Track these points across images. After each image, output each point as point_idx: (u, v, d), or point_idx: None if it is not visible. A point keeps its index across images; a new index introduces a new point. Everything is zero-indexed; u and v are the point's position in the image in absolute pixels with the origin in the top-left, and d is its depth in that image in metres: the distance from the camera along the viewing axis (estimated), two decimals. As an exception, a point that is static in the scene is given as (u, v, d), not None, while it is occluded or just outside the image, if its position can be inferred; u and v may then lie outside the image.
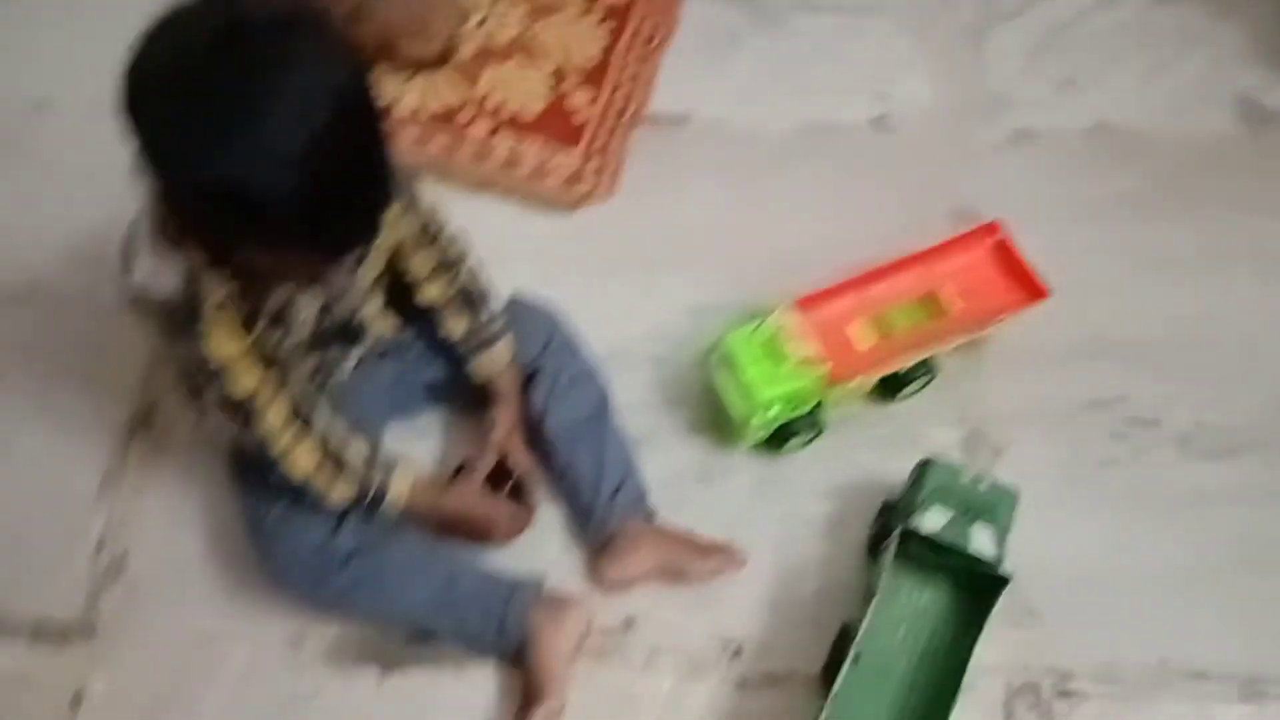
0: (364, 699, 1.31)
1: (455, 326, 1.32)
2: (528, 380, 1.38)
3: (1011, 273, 1.45)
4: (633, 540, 1.34)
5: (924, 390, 1.47)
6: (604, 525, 1.35)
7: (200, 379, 1.08)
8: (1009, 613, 1.33)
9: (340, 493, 1.20)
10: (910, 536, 1.24)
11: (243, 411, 1.11)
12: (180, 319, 1.02)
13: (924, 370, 1.43)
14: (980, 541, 1.22)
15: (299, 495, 1.20)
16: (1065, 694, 1.30)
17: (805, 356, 1.34)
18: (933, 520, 1.24)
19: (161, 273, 1.00)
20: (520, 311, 1.39)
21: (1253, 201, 1.65)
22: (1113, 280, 1.57)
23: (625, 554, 1.34)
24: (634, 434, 1.42)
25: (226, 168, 0.82)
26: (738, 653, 1.33)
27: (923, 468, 1.29)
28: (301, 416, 1.15)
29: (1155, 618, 1.34)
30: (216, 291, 1.02)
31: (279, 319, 1.11)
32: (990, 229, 1.46)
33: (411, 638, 1.33)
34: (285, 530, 1.24)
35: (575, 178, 1.64)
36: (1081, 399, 1.48)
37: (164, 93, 0.83)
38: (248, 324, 1.07)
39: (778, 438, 1.41)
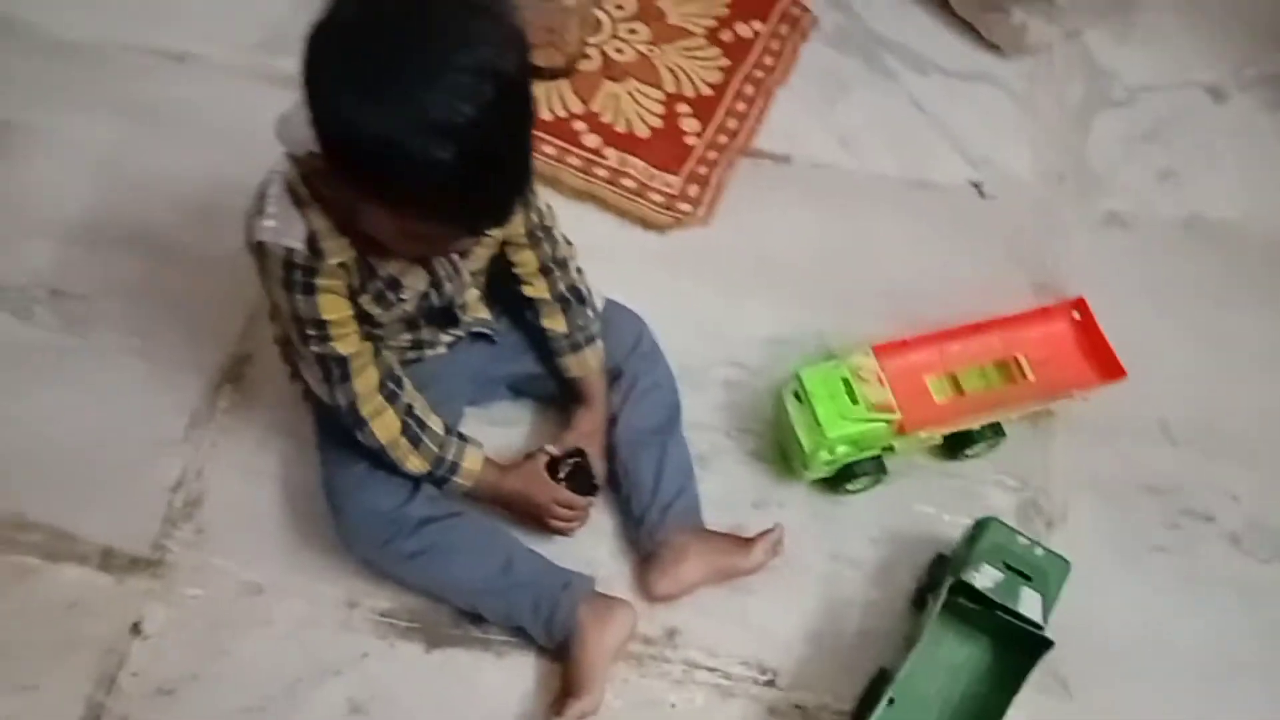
0: (407, 668, 1.35)
1: (556, 322, 1.37)
2: (610, 380, 1.43)
3: (1091, 349, 1.48)
4: (679, 551, 1.37)
5: (988, 453, 1.50)
6: (654, 534, 1.39)
7: (306, 332, 1.14)
8: (1041, 681, 1.35)
9: (415, 463, 1.26)
10: (960, 589, 1.27)
11: (339, 371, 1.17)
12: (298, 272, 1.09)
13: (993, 433, 1.46)
14: (1028, 604, 1.25)
15: (378, 460, 1.26)
16: (1089, 768, 1.31)
17: (879, 401, 1.37)
18: (985, 577, 1.26)
19: (288, 226, 1.06)
20: (613, 312, 1.45)
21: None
22: (1186, 368, 1.60)
23: (671, 566, 1.37)
24: (697, 452, 1.47)
25: (391, 128, 0.87)
26: (771, 681, 1.36)
27: (981, 525, 1.31)
28: (390, 386, 1.22)
29: (1186, 705, 1.36)
30: (337, 254, 1.08)
31: (386, 291, 1.17)
32: (1076, 304, 1.49)
33: (462, 616, 1.37)
34: (361, 490, 1.29)
35: (675, 199, 1.70)
36: (1141, 483, 1.51)
37: (346, 46, 0.89)
38: (358, 291, 1.14)
39: (840, 477, 1.44)
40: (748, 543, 1.39)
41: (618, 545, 1.44)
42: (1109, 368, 1.45)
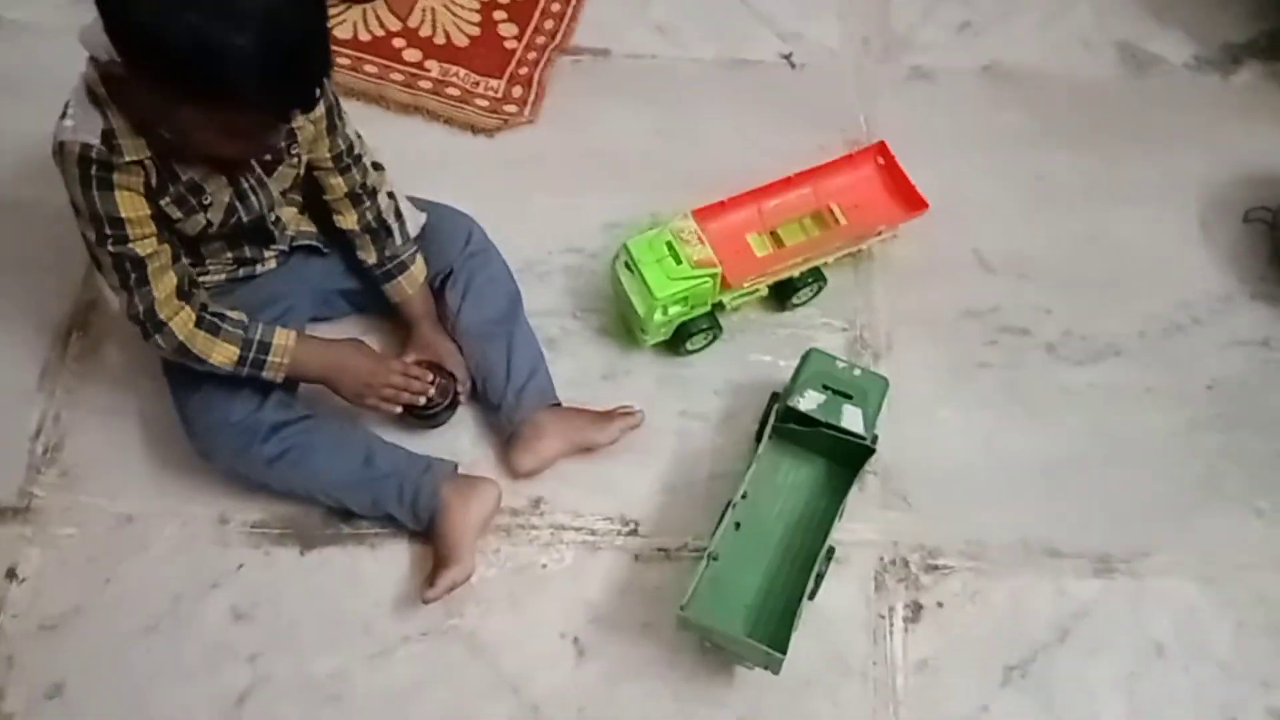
0: (285, 573, 1.40)
1: (368, 254, 1.42)
2: (445, 278, 1.48)
3: (895, 188, 1.58)
4: (537, 428, 1.44)
5: (814, 299, 1.59)
6: (512, 416, 1.45)
7: (104, 232, 1.17)
8: (883, 497, 1.46)
9: (221, 353, 1.26)
10: (788, 415, 1.36)
11: (137, 274, 1.20)
12: (94, 167, 1.12)
13: (814, 278, 1.55)
14: (850, 419, 1.34)
15: (219, 377, 1.30)
16: (932, 568, 1.42)
17: (701, 258, 1.44)
18: (809, 400, 1.35)
19: (85, 123, 1.10)
20: (441, 215, 1.49)
21: (1129, 137, 1.79)
22: (995, 205, 1.71)
23: (532, 442, 1.44)
24: (546, 337, 1.53)
25: (192, 22, 0.94)
26: (634, 530, 1.44)
27: (804, 357, 1.40)
28: (186, 289, 1.25)
29: (1018, 503, 1.47)
30: (133, 153, 1.13)
31: (188, 196, 1.20)
32: (878, 149, 1.59)
33: (333, 515, 1.42)
34: (210, 405, 1.33)
35: (500, 102, 1.74)
36: (960, 308, 1.61)
37: None
38: (158, 193, 1.17)
39: (678, 338, 1.52)
40: (604, 416, 1.46)
41: (479, 432, 1.50)
42: (912, 202, 1.55)
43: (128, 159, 1.12)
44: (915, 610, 1.39)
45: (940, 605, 1.39)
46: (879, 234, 1.56)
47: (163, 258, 1.21)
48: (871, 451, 1.33)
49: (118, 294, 1.23)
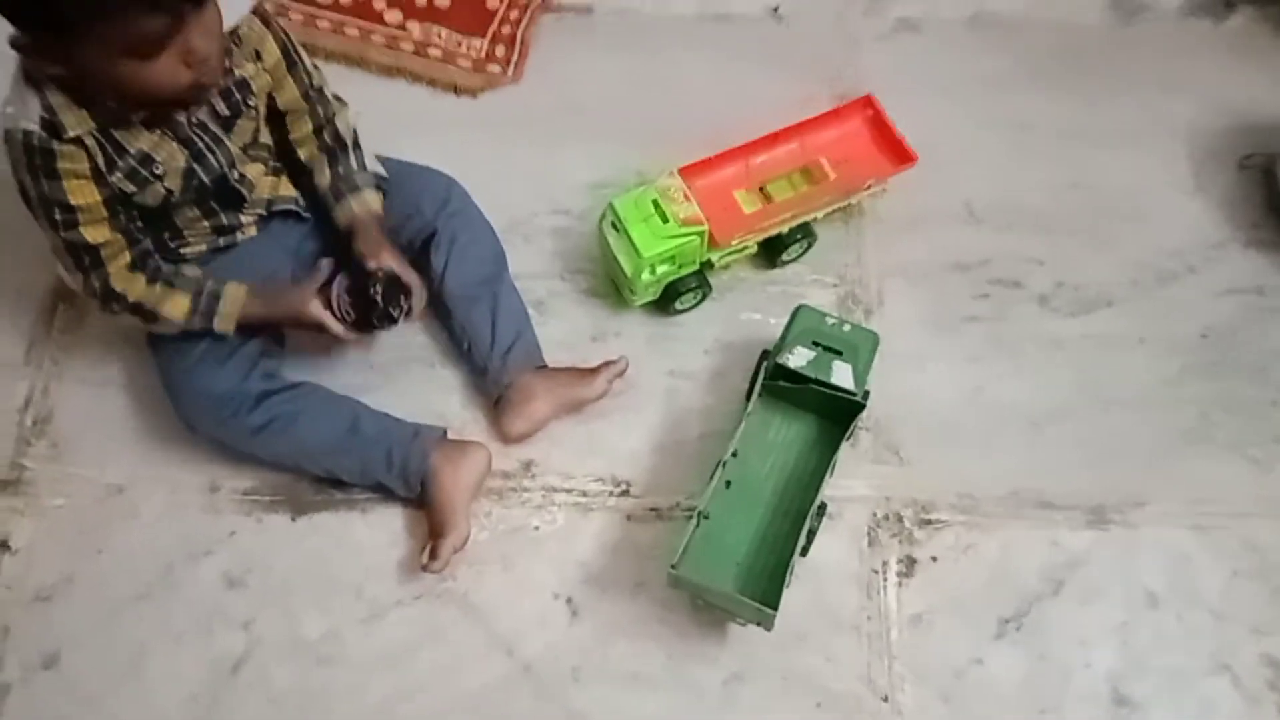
0: (276, 539, 1.40)
1: (321, 178, 1.39)
2: (427, 240, 1.46)
3: (884, 141, 1.56)
4: (525, 391, 1.43)
5: (804, 256, 1.57)
6: (499, 379, 1.44)
7: (54, 218, 1.17)
8: (875, 452, 1.46)
9: (175, 305, 1.27)
10: (778, 373, 1.35)
11: (90, 258, 1.21)
12: (38, 155, 1.11)
13: (803, 234, 1.53)
14: (840, 375, 1.33)
15: (206, 341, 1.30)
16: (925, 522, 1.41)
17: (687, 216, 1.43)
18: (798, 357, 1.34)
19: (23, 107, 1.10)
20: (418, 173, 1.47)
21: (1119, 84, 1.76)
22: (984, 155, 1.69)
23: (521, 406, 1.43)
24: (533, 300, 1.52)
25: None
26: (626, 491, 1.43)
27: (794, 313, 1.39)
28: (139, 261, 1.25)
29: (1010, 456, 1.46)
30: (76, 126, 1.12)
31: (138, 169, 1.19)
32: (866, 101, 1.57)
33: (323, 483, 1.42)
34: (195, 375, 1.33)
35: (484, 61, 1.72)
36: (949, 262, 1.60)
37: None
38: (107, 171, 1.16)
39: (667, 298, 1.51)
40: (590, 373, 1.45)
41: (467, 396, 1.49)
42: (901, 155, 1.54)
43: (71, 134, 1.11)
44: (909, 564, 1.39)
45: (934, 559, 1.39)
46: (868, 188, 1.54)
47: (116, 244, 1.21)
48: (862, 407, 1.32)
49: (71, 274, 1.24)
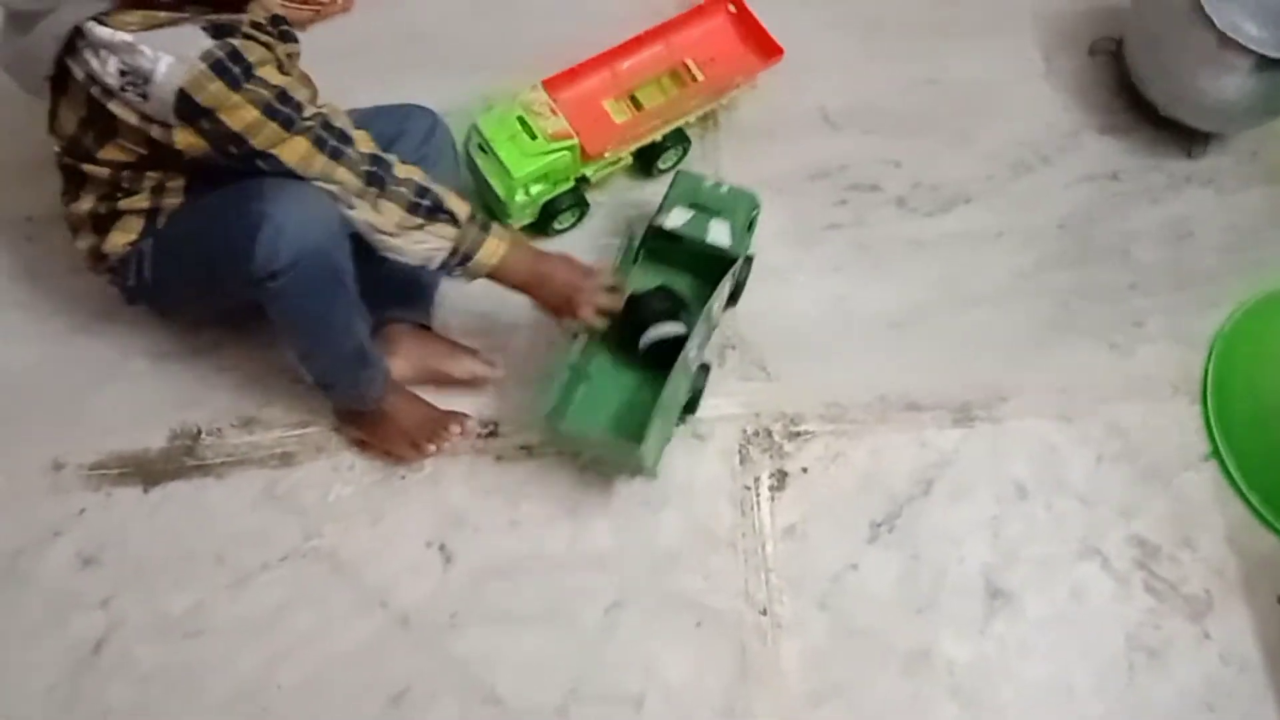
0: (129, 512, 1.34)
1: None
2: None
3: (749, 37, 1.53)
4: (391, 344, 1.37)
5: (680, 162, 1.54)
6: (379, 312, 1.34)
7: (284, 115, 1.07)
8: (743, 369, 1.44)
9: (455, 202, 1.19)
10: (657, 236, 1.35)
11: (335, 133, 1.12)
12: (230, 63, 1.03)
13: (677, 140, 1.50)
14: (716, 233, 1.33)
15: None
16: (794, 435, 1.41)
17: (555, 131, 1.37)
18: (675, 218, 1.34)
19: (177, 42, 1.03)
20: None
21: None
22: (838, 56, 1.67)
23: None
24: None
25: None
26: (494, 432, 1.40)
27: (673, 179, 1.38)
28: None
29: (876, 361, 1.47)
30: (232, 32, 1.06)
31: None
32: (726, -1, 1.53)
33: (172, 447, 1.37)
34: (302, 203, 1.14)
35: (309, -7, 1.63)
36: (808, 170, 1.58)
37: None
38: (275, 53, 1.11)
39: (545, 218, 1.46)
40: (463, 350, 1.40)
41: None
42: (767, 49, 1.51)
43: (247, 19, 1.09)
44: (780, 478, 1.38)
45: (804, 470, 1.39)
46: (737, 86, 1.51)
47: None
48: (736, 259, 1.32)
49: (321, 166, 1.11)
